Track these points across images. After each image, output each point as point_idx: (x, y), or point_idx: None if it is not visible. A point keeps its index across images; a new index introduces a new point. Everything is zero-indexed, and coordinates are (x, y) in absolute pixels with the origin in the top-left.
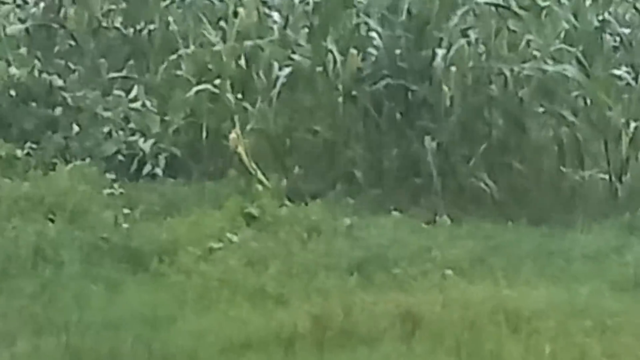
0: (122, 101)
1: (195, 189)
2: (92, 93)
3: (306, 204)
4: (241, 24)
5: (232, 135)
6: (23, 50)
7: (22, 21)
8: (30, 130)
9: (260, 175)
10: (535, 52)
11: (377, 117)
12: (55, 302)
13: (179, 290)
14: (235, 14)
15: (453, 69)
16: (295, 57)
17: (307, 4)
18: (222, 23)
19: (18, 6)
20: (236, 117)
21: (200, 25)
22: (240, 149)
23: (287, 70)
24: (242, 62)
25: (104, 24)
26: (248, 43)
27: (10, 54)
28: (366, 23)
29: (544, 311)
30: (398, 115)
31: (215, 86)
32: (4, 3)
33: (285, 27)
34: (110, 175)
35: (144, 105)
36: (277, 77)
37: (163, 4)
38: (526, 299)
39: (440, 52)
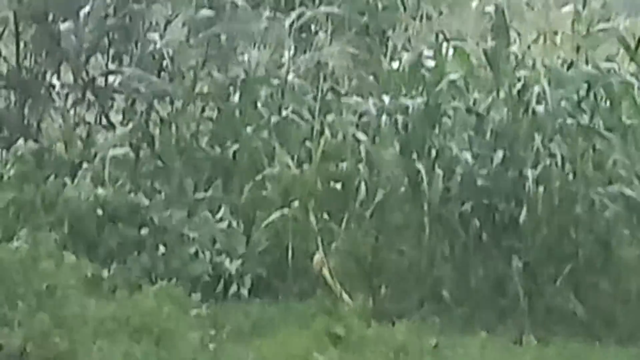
0: (208, 221)
1: (282, 309)
2: (179, 213)
3: (393, 324)
4: (327, 144)
5: (316, 258)
6: (111, 170)
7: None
8: (116, 250)
9: (345, 296)
10: (621, 172)
11: (463, 237)
12: None
13: None
14: (321, 133)
15: (540, 189)
16: (382, 176)
17: (395, 124)
18: (307, 143)
19: (104, 127)
20: (319, 239)
21: (285, 145)
22: (325, 271)
23: (380, 191)
24: (328, 182)
25: (191, 144)
26: (335, 164)
27: (100, 174)
28: (450, 148)
29: None
30: (484, 235)
31: (301, 207)
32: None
33: (373, 148)
34: (197, 296)
35: (230, 225)
36: (369, 198)
37: (249, 123)
38: None
39: (526, 172)
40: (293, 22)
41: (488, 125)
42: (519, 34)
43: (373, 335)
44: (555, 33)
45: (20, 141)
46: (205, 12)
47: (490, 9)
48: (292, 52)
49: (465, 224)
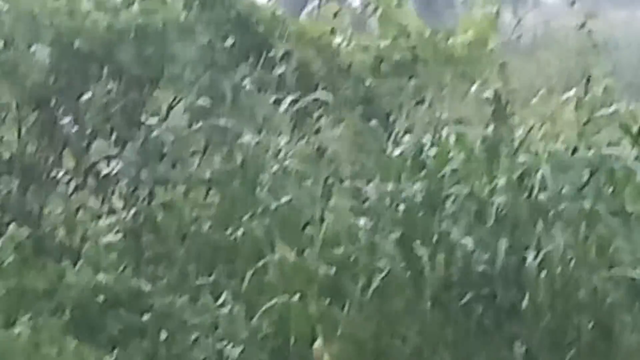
0: (210, 307)
1: None
2: (180, 299)
3: None
4: (328, 230)
5: (317, 346)
6: (112, 256)
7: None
8: (118, 336)
9: None
10: (624, 258)
11: (465, 323)
12: None
13: None
14: (322, 219)
15: (542, 274)
16: (384, 263)
17: (397, 210)
18: (308, 228)
19: (112, 212)
20: (319, 327)
21: (286, 231)
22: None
23: (379, 276)
24: (330, 268)
25: (193, 230)
26: (336, 249)
27: (102, 260)
28: (448, 233)
29: None
30: (486, 321)
31: (302, 293)
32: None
33: (375, 234)
34: None
35: (231, 311)
36: (370, 283)
37: (249, 209)
38: None
39: (528, 257)
40: (289, 107)
41: (490, 211)
42: (520, 119)
43: None
44: (557, 118)
45: (12, 226)
46: (207, 100)
47: (489, 94)
48: (290, 136)
49: (467, 310)
